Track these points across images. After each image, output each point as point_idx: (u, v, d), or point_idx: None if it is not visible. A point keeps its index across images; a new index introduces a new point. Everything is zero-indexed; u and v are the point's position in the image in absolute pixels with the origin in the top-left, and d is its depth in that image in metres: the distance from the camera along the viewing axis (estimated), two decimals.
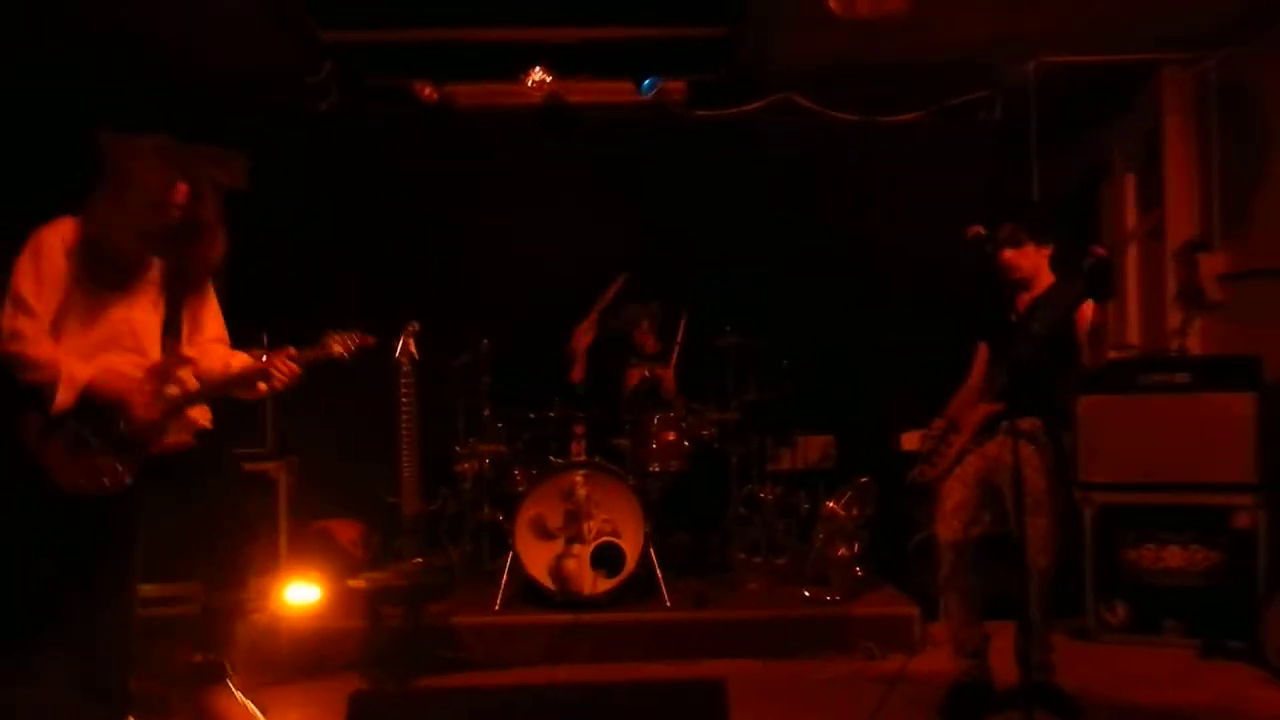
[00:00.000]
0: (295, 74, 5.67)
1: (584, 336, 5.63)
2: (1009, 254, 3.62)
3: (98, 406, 3.02)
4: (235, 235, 6.05)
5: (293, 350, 3.21)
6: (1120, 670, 4.27)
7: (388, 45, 5.66)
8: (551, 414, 5.22)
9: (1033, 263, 3.65)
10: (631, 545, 4.66)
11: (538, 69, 5.64)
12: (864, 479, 5.05)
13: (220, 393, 3.26)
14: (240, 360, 3.30)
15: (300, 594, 4.55)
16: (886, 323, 6.00)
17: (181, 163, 3.19)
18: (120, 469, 3.02)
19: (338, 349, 3.25)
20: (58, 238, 3.05)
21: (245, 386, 3.26)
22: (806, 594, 4.79)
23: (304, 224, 5.88)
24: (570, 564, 4.62)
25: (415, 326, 4.36)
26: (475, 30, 5.45)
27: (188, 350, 3.24)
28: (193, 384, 3.20)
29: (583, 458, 4.87)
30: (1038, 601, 3.59)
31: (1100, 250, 3.17)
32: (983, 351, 3.87)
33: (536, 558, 4.65)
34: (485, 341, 5.37)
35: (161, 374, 3.13)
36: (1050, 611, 3.65)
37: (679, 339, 5.58)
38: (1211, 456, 4.51)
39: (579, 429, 4.96)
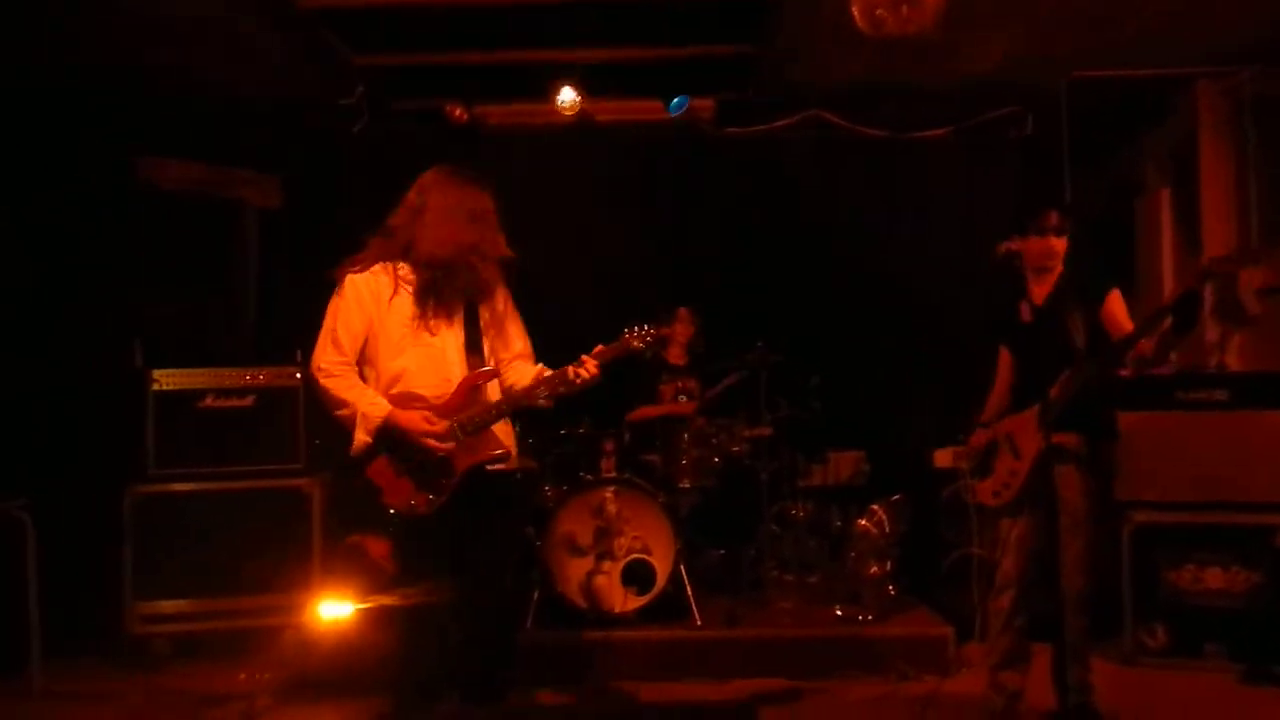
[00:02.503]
0: (328, 98, 5.76)
1: (683, 327, 5.67)
2: (1055, 242, 3.62)
3: (397, 440, 3.16)
4: (270, 255, 6.23)
5: (599, 348, 3.28)
6: (1159, 695, 4.20)
7: (418, 68, 5.72)
8: (582, 430, 5.22)
9: (1063, 253, 3.66)
10: (662, 562, 4.64)
11: (567, 89, 5.67)
12: (896, 496, 5.01)
13: (521, 406, 3.35)
14: (544, 374, 3.36)
15: (332, 610, 4.57)
16: (917, 338, 5.96)
17: (474, 176, 3.36)
18: (432, 494, 3.17)
19: (636, 344, 3.32)
20: (368, 276, 3.24)
21: (546, 395, 3.33)
22: (838, 613, 4.75)
23: (337, 244, 5.95)
24: (600, 581, 4.61)
25: None
26: (504, 52, 5.50)
27: (492, 363, 3.35)
28: (495, 398, 3.30)
29: (613, 474, 4.87)
30: (1075, 623, 3.56)
31: (1188, 285, 3.19)
32: (1005, 355, 3.85)
33: (567, 575, 4.65)
34: None
35: (459, 404, 3.22)
36: (1088, 633, 3.61)
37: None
38: (1251, 475, 4.43)
39: (609, 445, 4.96)
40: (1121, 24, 4.83)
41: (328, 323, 3.25)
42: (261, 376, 4.97)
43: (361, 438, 3.16)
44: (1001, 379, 3.87)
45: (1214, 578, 4.47)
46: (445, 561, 3.21)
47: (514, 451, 3.39)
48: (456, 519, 3.20)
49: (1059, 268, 3.67)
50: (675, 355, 5.70)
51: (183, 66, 5.25)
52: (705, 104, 6.00)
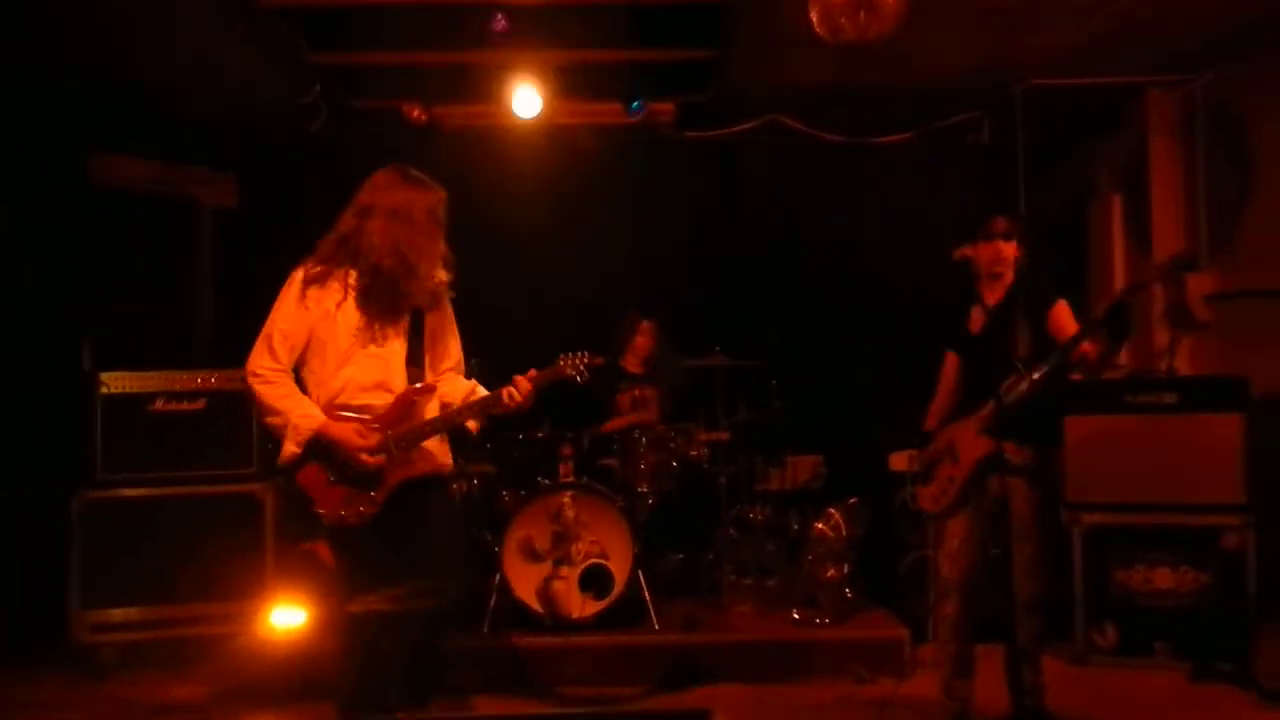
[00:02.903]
0: (285, 96, 5.68)
1: (643, 339, 5.65)
2: (1004, 247, 3.65)
3: (329, 450, 3.11)
4: (226, 255, 6.15)
5: (533, 372, 3.28)
6: (1110, 693, 4.25)
7: (376, 68, 5.67)
8: (540, 434, 5.20)
9: (1013, 259, 3.68)
10: (620, 567, 4.63)
11: (528, 88, 5.64)
12: (853, 499, 5.04)
13: (453, 425, 3.34)
14: (477, 390, 3.37)
15: (286, 617, 4.52)
16: (875, 342, 6.01)
17: (424, 179, 3.30)
18: (362, 506, 3.14)
19: (570, 371, 3.32)
20: (318, 283, 3.16)
21: (478, 416, 3.36)
22: (796, 616, 4.76)
23: (294, 244, 5.89)
24: (558, 586, 4.58)
25: None
26: (463, 53, 5.46)
27: (430, 378, 3.31)
28: (431, 414, 3.28)
29: (571, 478, 4.84)
30: (1026, 627, 3.60)
31: (1118, 297, 3.24)
32: (951, 360, 3.87)
33: (524, 580, 4.62)
34: (474, 360, 5.34)
35: (395, 417, 3.19)
36: (1039, 635, 3.65)
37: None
38: (1199, 477, 4.50)
39: (567, 449, 4.94)
40: (1073, 33, 4.89)
41: (267, 326, 3.17)
42: (213, 380, 4.89)
43: (290, 449, 3.12)
44: (945, 385, 3.89)
45: (1163, 578, 4.54)
46: (382, 572, 3.18)
47: (449, 462, 3.38)
48: (390, 531, 3.18)
49: (1010, 274, 3.71)
50: (633, 364, 5.70)
51: (136, 63, 5.16)
52: (665, 107, 5.98)
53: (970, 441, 3.60)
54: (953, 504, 3.66)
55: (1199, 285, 5.37)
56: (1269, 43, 4.91)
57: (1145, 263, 5.39)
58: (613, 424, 5.47)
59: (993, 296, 3.72)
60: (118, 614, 4.63)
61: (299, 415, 3.11)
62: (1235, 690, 4.21)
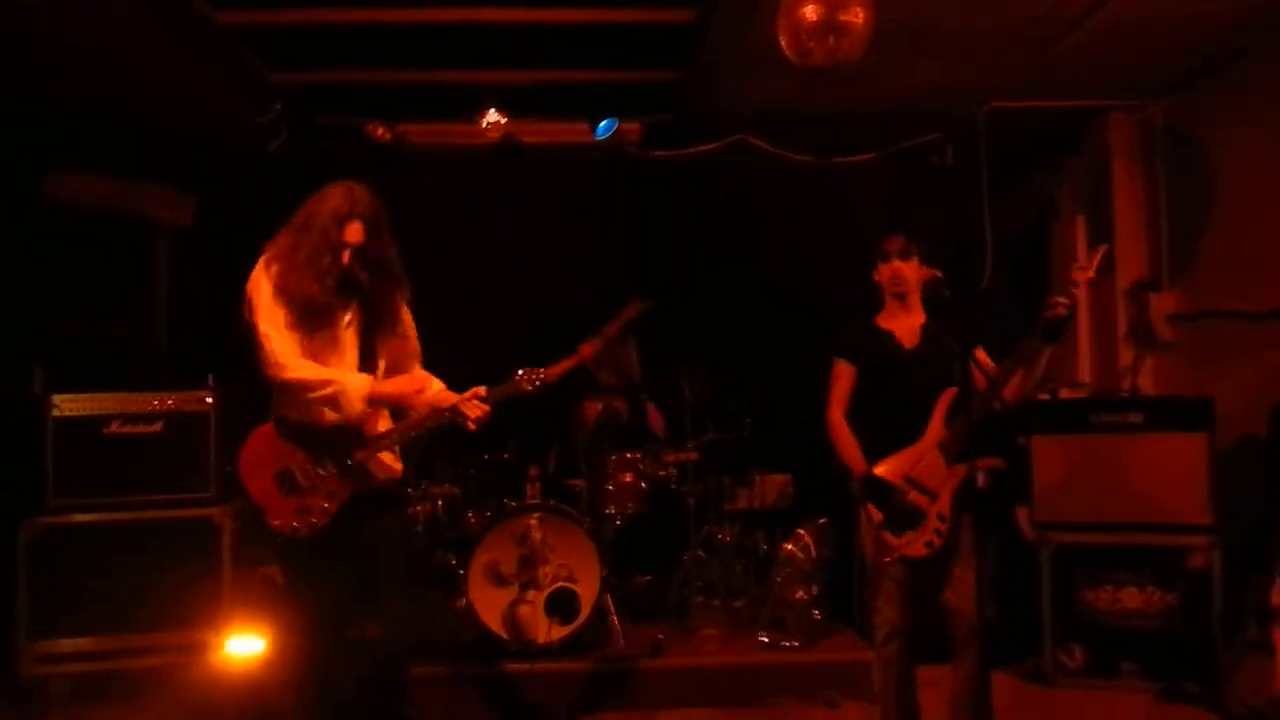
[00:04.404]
0: (245, 115, 5.59)
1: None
2: (901, 266, 3.62)
3: (310, 442, 3.16)
4: (182, 275, 6.03)
5: (482, 390, 3.31)
6: (1076, 715, 4.26)
7: (338, 86, 5.60)
8: (506, 455, 5.13)
9: (916, 278, 3.64)
10: (587, 590, 4.56)
11: (492, 110, 5.60)
12: (822, 519, 4.99)
13: (412, 435, 3.32)
14: (435, 386, 3.39)
15: (244, 646, 4.41)
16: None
17: (362, 201, 3.22)
18: (313, 517, 3.13)
19: (526, 387, 3.38)
20: (264, 280, 3.14)
21: (436, 425, 3.35)
22: (764, 639, 4.71)
23: (252, 264, 5.79)
24: (524, 611, 4.50)
25: None
26: (428, 72, 5.41)
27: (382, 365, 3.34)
28: (386, 426, 3.32)
29: (538, 500, 4.78)
30: (975, 653, 3.42)
31: (1058, 301, 3.21)
32: (848, 372, 3.77)
33: (490, 605, 4.53)
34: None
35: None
36: (985, 661, 3.54)
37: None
38: (1165, 497, 4.52)
39: (533, 470, 4.87)
40: (1036, 59, 4.93)
41: (262, 326, 3.10)
42: (170, 402, 4.77)
43: (359, 407, 3.14)
44: (841, 395, 3.80)
45: (1130, 598, 4.53)
46: (333, 593, 3.16)
47: (399, 468, 3.38)
48: (342, 550, 3.16)
49: (914, 295, 3.63)
50: (605, 377, 5.64)
51: (94, 81, 5.05)
52: (631, 127, 5.96)
53: (938, 473, 3.42)
54: (947, 543, 3.44)
55: (1162, 305, 5.43)
56: (1218, 74, 5.00)
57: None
58: (558, 368, 5.32)
59: (904, 321, 3.64)
60: (68, 645, 4.48)
61: (348, 379, 3.14)
62: (1202, 712, 4.22)
